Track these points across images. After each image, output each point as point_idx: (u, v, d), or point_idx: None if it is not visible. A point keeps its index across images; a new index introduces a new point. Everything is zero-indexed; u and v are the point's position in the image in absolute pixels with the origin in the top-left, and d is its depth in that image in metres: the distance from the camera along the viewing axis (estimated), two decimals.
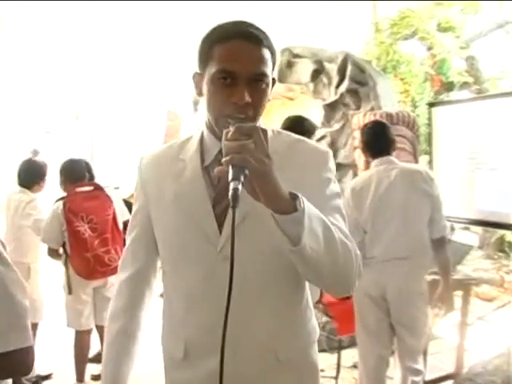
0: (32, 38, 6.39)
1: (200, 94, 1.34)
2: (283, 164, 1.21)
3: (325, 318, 4.16)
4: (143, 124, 7.54)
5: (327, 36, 6.70)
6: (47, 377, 4.20)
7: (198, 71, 1.34)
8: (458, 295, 3.73)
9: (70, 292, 3.71)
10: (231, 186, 1.03)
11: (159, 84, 7.82)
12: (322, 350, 4.67)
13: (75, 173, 3.78)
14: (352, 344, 4.02)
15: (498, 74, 7.26)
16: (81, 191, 3.70)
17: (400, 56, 6.74)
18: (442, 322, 4.49)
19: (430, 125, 5.39)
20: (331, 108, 5.52)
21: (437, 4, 6.79)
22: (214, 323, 1.24)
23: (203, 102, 1.34)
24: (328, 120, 5.53)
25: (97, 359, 3.91)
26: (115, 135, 8.49)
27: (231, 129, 1.09)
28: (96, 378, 3.88)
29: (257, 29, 1.29)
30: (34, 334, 4.05)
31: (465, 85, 6.93)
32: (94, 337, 4.01)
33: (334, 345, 4.53)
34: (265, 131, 1.10)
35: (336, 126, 5.51)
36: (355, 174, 5.37)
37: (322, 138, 5.53)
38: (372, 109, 5.29)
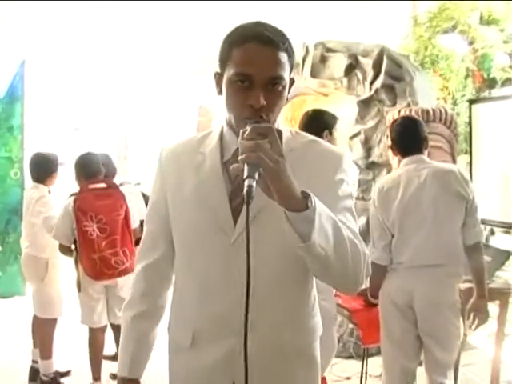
0: (63, 35, 6.38)
1: (220, 92, 1.39)
2: (298, 163, 1.28)
3: (351, 325, 3.98)
4: (175, 120, 7.46)
5: (363, 30, 6.50)
6: (66, 374, 4.17)
7: (219, 71, 1.38)
8: (494, 303, 3.49)
9: (79, 290, 3.67)
10: (246, 182, 1.08)
11: (191, 79, 7.73)
12: (349, 357, 4.50)
13: (89, 168, 3.68)
14: (380, 352, 3.84)
15: None
16: (93, 188, 3.60)
17: (439, 51, 6.46)
18: (477, 331, 4.23)
19: (470, 123, 5.15)
20: (365, 104, 5.32)
21: None
22: (224, 313, 1.32)
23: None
24: (362, 117, 5.35)
25: (115, 357, 3.82)
26: (148, 131, 8.46)
27: (247, 128, 1.15)
28: (114, 376, 3.80)
29: (274, 31, 1.32)
30: (53, 330, 3.99)
31: (508, 81, 6.60)
32: (111, 335, 3.94)
33: (361, 352, 4.36)
34: (280, 132, 1.16)
35: (370, 123, 5.32)
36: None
37: (356, 135, 5.36)
38: (408, 105, 5.08)
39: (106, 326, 3.88)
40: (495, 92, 6.85)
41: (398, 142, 2.88)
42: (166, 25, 6.93)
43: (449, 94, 6.98)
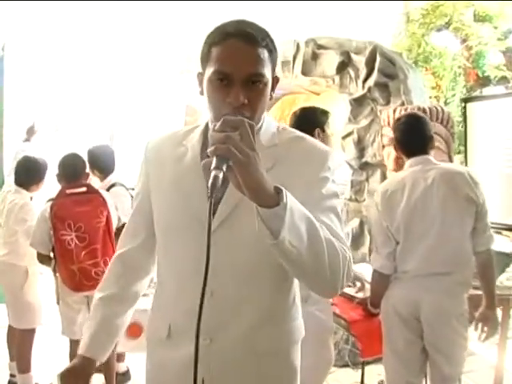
0: (47, 27, 6.15)
1: (202, 92, 1.38)
2: (282, 158, 1.30)
3: (342, 331, 3.81)
4: (162, 119, 7.24)
5: (353, 27, 6.37)
6: None
7: (201, 71, 1.37)
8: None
9: (57, 301, 3.45)
10: (212, 173, 1.05)
11: (177, 78, 7.54)
12: (344, 366, 4.33)
13: (71, 169, 3.44)
14: (378, 359, 3.66)
15: None
16: (72, 193, 3.34)
17: (433, 48, 6.33)
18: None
19: (464, 122, 5.03)
20: (358, 103, 5.17)
21: None
22: (195, 307, 1.23)
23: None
24: (355, 116, 5.20)
25: (100, 369, 3.62)
26: (134, 131, 8.24)
27: (219, 121, 1.12)
28: None
29: (255, 28, 1.31)
30: (31, 341, 3.77)
31: (502, 80, 6.49)
32: None
33: (357, 360, 4.19)
34: (252, 125, 1.12)
35: (363, 122, 5.17)
36: (383, 174, 5.04)
37: (349, 134, 5.20)
38: (402, 104, 4.93)
39: None
40: (487, 90, 6.75)
41: (403, 142, 2.70)
42: (152, 23, 6.75)
43: (441, 92, 6.87)
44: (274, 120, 1.49)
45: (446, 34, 6.57)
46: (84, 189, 3.41)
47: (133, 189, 5.23)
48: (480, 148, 4.78)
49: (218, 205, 1.35)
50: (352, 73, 5.23)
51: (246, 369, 1.40)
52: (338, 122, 4.86)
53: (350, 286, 3.10)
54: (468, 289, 2.69)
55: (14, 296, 3.73)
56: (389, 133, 4.71)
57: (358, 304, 2.91)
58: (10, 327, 3.87)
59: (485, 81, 6.56)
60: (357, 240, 5.29)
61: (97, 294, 1.57)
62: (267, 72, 1.31)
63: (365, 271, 3.07)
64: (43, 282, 3.97)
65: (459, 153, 5.88)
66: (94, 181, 3.89)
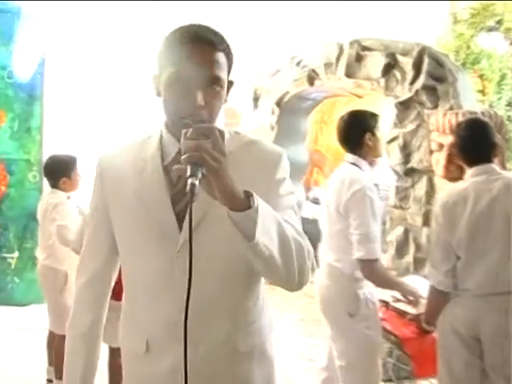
0: (86, 33, 6.14)
1: (158, 94, 1.38)
2: (238, 163, 1.27)
3: (389, 344, 3.64)
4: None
5: (397, 28, 6.16)
6: None
7: (157, 72, 1.37)
8: None
9: None
10: (189, 181, 1.08)
11: None
12: (387, 380, 4.15)
13: None
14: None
15: None
16: None
17: (481, 50, 6.08)
18: None
19: None
20: (405, 106, 4.99)
21: None
22: (174, 319, 1.30)
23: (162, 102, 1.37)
24: (401, 120, 5.01)
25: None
26: None
27: (190, 129, 1.14)
28: None
29: (212, 32, 1.33)
30: None
31: None
32: None
33: (401, 374, 4.02)
34: (222, 132, 1.17)
35: (410, 127, 4.98)
36: (430, 181, 4.85)
37: (394, 139, 5.02)
38: (451, 108, 4.73)
39: None
40: None
41: (466, 149, 2.51)
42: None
43: (486, 95, 6.63)
44: (224, 125, 1.48)
45: (495, 35, 6.32)
46: None
47: None
48: None
49: (184, 218, 1.35)
50: (398, 75, 5.06)
51: (233, 368, 1.44)
52: (383, 126, 4.70)
53: (399, 301, 2.94)
54: None
55: (54, 301, 3.68)
56: (438, 138, 4.53)
57: (410, 320, 2.75)
58: (50, 331, 3.81)
59: None
60: (401, 249, 5.10)
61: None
62: (224, 75, 1.33)
63: (418, 285, 2.91)
64: None
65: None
66: None
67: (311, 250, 1.35)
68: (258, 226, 1.15)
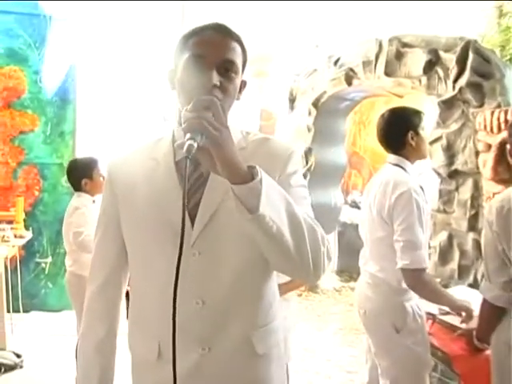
0: (119, 36, 6.09)
1: (173, 88, 1.40)
2: (250, 158, 1.26)
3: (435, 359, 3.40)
4: (237, 124, 7.02)
5: (439, 23, 5.91)
6: None
7: (173, 67, 1.40)
8: None
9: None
10: (187, 143, 1.05)
11: (252, 81, 7.31)
12: None
13: None
14: None
15: None
16: None
17: None
18: None
19: None
20: (448, 105, 4.77)
21: None
22: (186, 323, 1.26)
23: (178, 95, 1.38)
24: (444, 119, 4.78)
25: None
26: None
27: (191, 103, 1.14)
28: None
29: (229, 27, 1.36)
30: None
31: None
32: None
33: None
34: (223, 106, 1.17)
35: (453, 127, 4.75)
36: (475, 184, 4.60)
37: (437, 140, 4.79)
38: (498, 106, 4.48)
39: None
40: None
41: None
42: (227, 22, 6.53)
43: None
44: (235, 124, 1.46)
45: None
46: None
47: None
48: None
49: (196, 216, 1.33)
50: (441, 72, 4.83)
51: (248, 371, 1.40)
52: (427, 124, 4.48)
53: (448, 313, 2.71)
54: None
55: (81, 309, 3.55)
56: (485, 138, 4.28)
57: (460, 336, 2.52)
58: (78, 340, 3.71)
59: None
60: (445, 255, 4.86)
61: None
62: (239, 62, 1.35)
63: (466, 296, 2.68)
64: None
65: None
66: None
67: (325, 236, 1.28)
68: (262, 197, 1.10)
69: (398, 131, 2.58)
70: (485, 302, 2.25)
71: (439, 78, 4.85)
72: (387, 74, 5.17)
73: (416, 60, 4.98)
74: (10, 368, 4.11)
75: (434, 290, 2.44)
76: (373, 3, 6.04)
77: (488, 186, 4.18)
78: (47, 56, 5.34)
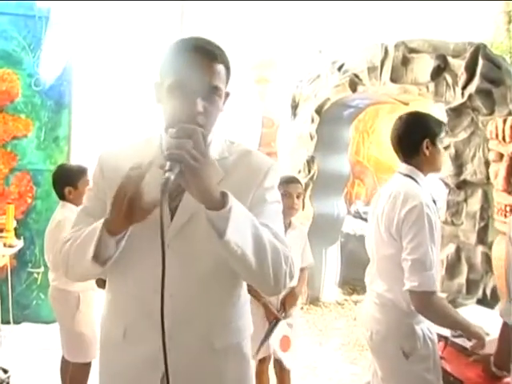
0: (116, 38, 5.95)
1: (159, 101, 1.50)
2: (230, 170, 1.47)
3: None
4: (237, 131, 6.86)
5: (446, 28, 5.76)
6: None
7: (158, 80, 1.49)
8: None
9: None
10: (165, 175, 1.20)
11: (254, 87, 7.16)
12: None
13: None
14: None
15: None
16: None
17: None
18: None
19: None
20: (457, 113, 4.60)
21: None
22: (154, 309, 1.28)
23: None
24: (452, 128, 4.60)
25: None
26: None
27: (175, 129, 1.27)
28: None
29: (213, 45, 1.45)
30: (86, 376, 3.36)
31: None
32: None
33: None
34: (204, 134, 1.30)
35: (462, 135, 4.58)
36: (485, 195, 4.42)
37: (445, 148, 4.57)
38: (509, 114, 4.30)
39: None
40: None
41: None
42: (222, 33, 6.42)
43: None
44: (220, 134, 1.57)
45: None
46: None
47: None
48: None
49: (174, 215, 1.45)
50: (449, 79, 4.66)
51: (206, 363, 1.51)
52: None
53: (461, 336, 2.52)
54: None
55: (66, 326, 3.32)
56: (497, 147, 4.09)
57: (475, 362, 2.32)
58: (63, 358, 3.49)
59: None
60: (452, 269, 4.66)
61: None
62: (222, 86, 1.44)
63: (482, 318, 2.49)
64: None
65: None
66: None
67: (289, 255, 1.43)
68: (229, 224, 1.25)
69: (414, 136, 2.38)
70: (505, 325, 2.06)
71: (447, 85, 4.68)
72: (393, 80, 5.01)
73: (423, 66, 4.81)
74: None
75: (444, 315, 2.23)
76: (378, 8, 5.89)
77: (499, 197, 3.99)
78: (42, 59, 5.17)
